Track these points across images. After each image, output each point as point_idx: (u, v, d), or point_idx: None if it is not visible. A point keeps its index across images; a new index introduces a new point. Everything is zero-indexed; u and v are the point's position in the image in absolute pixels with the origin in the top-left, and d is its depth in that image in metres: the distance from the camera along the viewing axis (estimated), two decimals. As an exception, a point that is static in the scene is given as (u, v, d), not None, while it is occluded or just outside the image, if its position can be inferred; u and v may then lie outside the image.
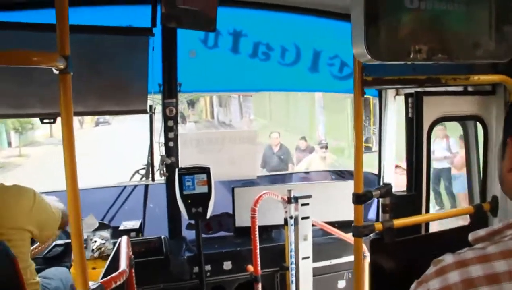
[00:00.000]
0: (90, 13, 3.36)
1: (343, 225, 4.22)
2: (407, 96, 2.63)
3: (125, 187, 4.15)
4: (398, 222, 2.50)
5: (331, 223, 4.15)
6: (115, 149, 16.24)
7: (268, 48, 3.90)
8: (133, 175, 4.46)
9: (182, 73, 3.78)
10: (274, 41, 3.90)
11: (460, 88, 2.82)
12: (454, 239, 2.79)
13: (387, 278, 2.58)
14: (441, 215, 2.67)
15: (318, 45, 3.98)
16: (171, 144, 3.86)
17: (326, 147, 11.03)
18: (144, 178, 4.22)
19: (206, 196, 3.52)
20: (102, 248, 3.42)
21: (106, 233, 3.44)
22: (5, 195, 2.28)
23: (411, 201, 2.67)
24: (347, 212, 4.30)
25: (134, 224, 3.74)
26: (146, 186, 4.20)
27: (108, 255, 3.45)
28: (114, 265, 2.52)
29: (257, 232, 3.60)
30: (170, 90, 3.78)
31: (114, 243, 2.92)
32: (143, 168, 4.20)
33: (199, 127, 25.73)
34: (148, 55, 3.55)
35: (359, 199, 2.38)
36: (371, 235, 2.52)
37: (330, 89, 4.32)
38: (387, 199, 2.55)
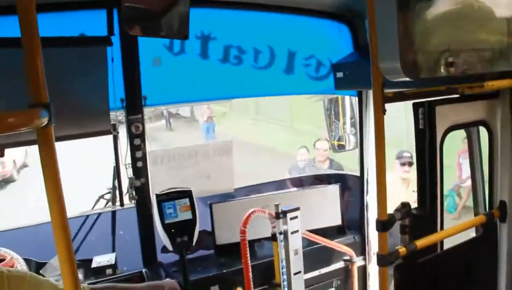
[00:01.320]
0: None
1: (326, 232, 4.07)
2: (416, 106, 2.44)
3: (88, 216, 3.67)
4: (420, 243, 2.35)
5: (315, 231, 3.97)
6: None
7: (240, 51, 3.55)
8: (97, 201, 3.98)
9: (146, 85, 3.36)
10: (246, 43, 3.56)
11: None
12: (470, 253, 2.71)
13: None
14: (457, 229, 2.53)
15: (292, 45, 3.69)
16: (139, 164, 3.44)
17: (410, 164, 6.61)
18: (110, 204, 3.77)
19: (191, 223, 3.18)
20: (77, 295, 2.99)
21: (78, 275, 2.99)
22: None
23: (426, 219, 2.51)
24: (330, 218, 4.20)
25: (108, 259, 3.31)
26: (114, 213, 3.75)
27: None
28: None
29: (248, 255, 3.34)
30: (134, 105, 3.35)
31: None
32: (109, 192, 3.75)
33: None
34: (107, 67, 3.10)
35: (385, 226, 2.17)
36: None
37: (306, 90, 4.05)
38: (406, 220, 2.36)
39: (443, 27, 1.92)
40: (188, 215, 3.19)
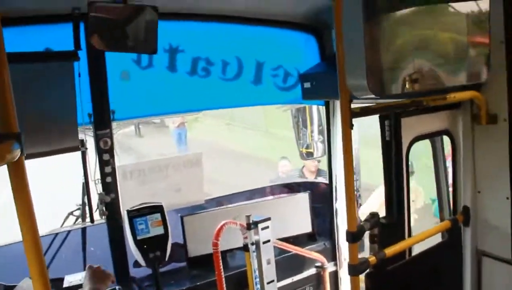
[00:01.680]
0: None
1: (297, 239, 4.12)
2: (382, 118, 2.52)
3: (57, 234, 3.58)
4: (389, 251, 2.43)
5: (286, 239, 4.02)
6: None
7: (208, 63, 3.56)
8: (66, 217, 3.90)
9: (114, 99, 3.32)
10: (214, 55, 3.57)
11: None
12: (436, 257, 2.81)
13: None
14: (424, 235, 2.62)
15: (260, 56, 3.73)
16: (108, 179, 3.39)
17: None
18: (80, 221, 3.69)
19: (163, 238, 3.16)
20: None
21: (49, 297, 2.92)
22: None
23: (395, 227, 2.59)
24: (300, 226, 4.24)
25: (80, 278, 3.23)
26: (84, 229, 3.68)
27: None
28: None
29: (221, 267, 3.35)
30: (102, 119, 3.31)
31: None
32: (78, 209, 3.67)
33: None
34: (75, 82, 3.05)
35: (355, 237, 2.23)
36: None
37: (275, 101, 4.09)
38: (375, 230, 2.44)
39: (407, 28, 1.98)
40: (160, 230, 3.18)
